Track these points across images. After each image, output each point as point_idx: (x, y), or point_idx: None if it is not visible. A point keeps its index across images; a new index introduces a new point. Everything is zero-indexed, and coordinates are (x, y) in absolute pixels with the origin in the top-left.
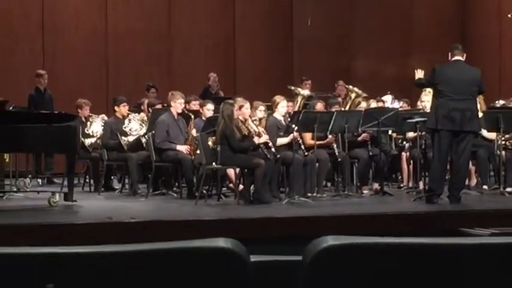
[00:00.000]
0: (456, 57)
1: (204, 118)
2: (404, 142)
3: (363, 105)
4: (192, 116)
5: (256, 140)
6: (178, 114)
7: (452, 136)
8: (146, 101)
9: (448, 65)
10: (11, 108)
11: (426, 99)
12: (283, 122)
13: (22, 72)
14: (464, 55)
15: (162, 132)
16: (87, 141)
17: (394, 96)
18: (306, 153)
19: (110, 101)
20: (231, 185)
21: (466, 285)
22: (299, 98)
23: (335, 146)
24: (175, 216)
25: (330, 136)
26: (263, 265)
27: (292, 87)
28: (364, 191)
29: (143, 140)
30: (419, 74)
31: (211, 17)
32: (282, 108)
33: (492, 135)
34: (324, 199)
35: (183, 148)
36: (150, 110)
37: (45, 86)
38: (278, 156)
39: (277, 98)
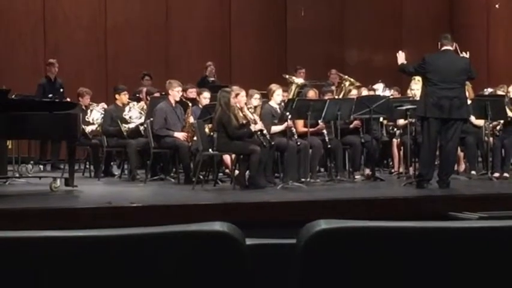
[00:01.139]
0: (445, 47)
1: (200, 106)
2: (395, 129)
3: (354, 92)
4: (190, 104)
5: (252, 127)
6: (176, 102)
7: (441, 123)
8: (145, 90)
9: (437, 54)
10: (13, 96)
11: (416, 88)
12: (278, 110)
13: (24, 63)
14: (454, 44)
15: (160, 120)
16: (88, 129)
17: (385, 85)
18: (299, 143)
19: (109, 91)
20: (227, 170)
21: (455, 268)
22: (293, 87)
23: (325, 132)
24: (173, 200)
25: (320, 123)
26: (258, 248)
27: (287, 76)
28: (356, 177)
29: (141, 127)
30: (401, 57)
31: (208, 8)
32: (278, 96)
33: (480, 122)
34: (317, 184)
35: (180, 135)
36: (149, 99)
37: (55, 75)
38: (273, 143)
39: (273, 86)
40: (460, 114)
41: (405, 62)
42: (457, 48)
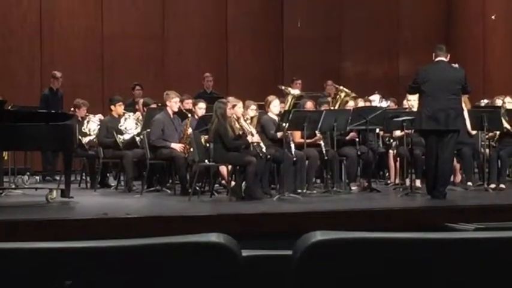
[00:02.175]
0: (439, 58)
1: (196, 117)
2: (392, 140)
3: (351, 104)
4: (189, 115)
5: (249, 138)
6: (174, 113)
7: (437, 135)
8: (141, 101)
9: (431, 65)
10: (10, 107)
11: (412, 99)
12: (276, 120)
13: (20, 73)
14: (448, 55)
15: (157, 130)
16: (84, 140)
17: (382, 96)
18: (295, 158)
19: (105, 101)
20: (223, 181)
21: (452, 278)
22: (289, 98)
23: (323, 143)
24: (169, 212)
25: (318, 134)
26: (254, 259)
27: (283, 87)
28: (353, 188)
29: (137, 138)
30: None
31: (204, 18)
32: (275, 107)
33: (474, 132)
34: (313, 195)
35: (177, 146)
36: (145, 109)
37: (58, 87)
38: (269, 156)
39: (270, 97)
40: (456, 125)
41: None
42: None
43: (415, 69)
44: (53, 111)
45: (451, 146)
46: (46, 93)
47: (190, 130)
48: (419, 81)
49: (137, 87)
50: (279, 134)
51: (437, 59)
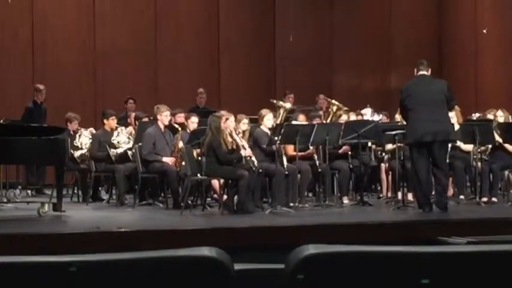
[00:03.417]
0: (421, 72)
1: (188, 130)
2: (384, 154)
3: (343, 117)
4: (180, 129)
5: (242, 152)
6: (165, 126)
7: (427, 148)
8: (133, 115)
9: (412, 81)
10: (1, 121)
11: None
12: (269, 134)
13: (12, 87)
14: (429, 70)
15: (148, 144)
16: (76, 153)
17: (374, 109)
18: (287, 172)
19: (97, 115)
20: (215, 195)
21: None
22: (281, 111)
23: (316, 157)
24: (161, 225)
25: (311, 148)
26: (247, 273)
27: (275, 101)
28: (345, 201)
29: (130, 152)
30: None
31: (196, 34)
32: (268, 120)
33: (469, 147)
34: (305, 209)
35: (168, 160)
36: (137, 123)
37: (42, 100)
38: (260, 170)
39: (263, 111)
40: (444, 136)
41: None
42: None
43: (400, 89)
44: (45, 125)
45: (443, 156)
46: (30, 106)
47: (181, 144)
48: (403, 99)
49: (130, 101)
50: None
51: (419, 73)
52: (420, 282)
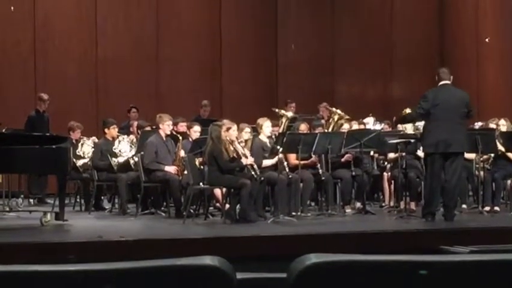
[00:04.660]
0: (444, 81)
1: (191, 139)
2: (386, 163)
3: (346, 126)
4: (180, 138)
5: (244, 160)
6: (167, 135)
7: (444, 158)
8: (135, 123)
9: (438, 89)
10: (3, 130)
11: None
12: (268, 143)
13: (14, 96)
14: (451, 78)
15: (150, 153)
16: (79, 162)
17: (376, 118)
18: (290, 176)
19: (99, 124)
20: (217, 204)
21: None
22: (283, 120)
23: (319, 166)
24: (163, 234)
25: (313, 157)
26: (249, 282)
27: (277, 110)
28: (347, 210)
29: (132, 161)
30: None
31: (199, 42)
32: (267, 128)
33: (471, 156)
34: (308, 218)
35: (171, 169)
36: (139, 132)
37: (44, 109)
38: (262, 178)
39: (261, 120)
40: (461, 147)
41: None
42: None
43: (423, 95)
44: (47, 134)
45: (460, 168)
46: (32, 115)
47: (182, 152)
48: (428, 106)
49: (133, 110)
50: (268, 162)
51: (442, 83)
52: None
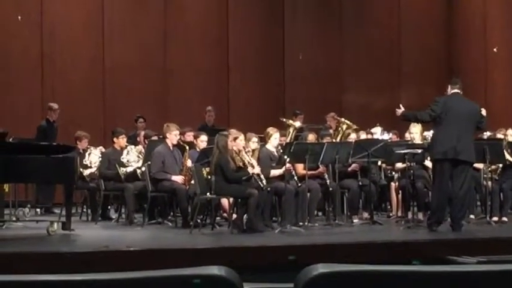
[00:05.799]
0: (455, 91)
1: (198, 149)
2: (393, 172)
3: (353, 136)
4: (187, 147)
5: (250, 170)
6: (174, 145)
7: (452, 166)
8: (143, 133)
9: (449, 97)
10: (11, 139)
11: (414, 131)
12: (275, 153)
13: (21, 104)
14: (461, 88)
15: (157, 163)
16: (86, 172)
17: (384, 128)
18: (299, 184)
19: (106, 133)
20: (224, 214)
21: None
22: (291, 130)
23: (326, 176)
24: (170, 244)
25: (321, 167)
26: None
27: (284, 119)
28: (354, 220)
29: (139, 171)
30: (400, 110)
31: (206, 51)
32: (275, 139)
33: (479, 166)
34: (315, 228)
35: (178, 178)
36: (146, 142)
37: (54, 119)
38: (269, 189)
39: (271, 129)
40: (469, 157)
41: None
42: None
43: (434, 99)
44: (54, 144)
45: (468, 180)
46: (43, 124)
47: (189, 162)
48: (439, 110)
49: (140, 120)
50: (276, 172)
51: (453, 91)
52: None
